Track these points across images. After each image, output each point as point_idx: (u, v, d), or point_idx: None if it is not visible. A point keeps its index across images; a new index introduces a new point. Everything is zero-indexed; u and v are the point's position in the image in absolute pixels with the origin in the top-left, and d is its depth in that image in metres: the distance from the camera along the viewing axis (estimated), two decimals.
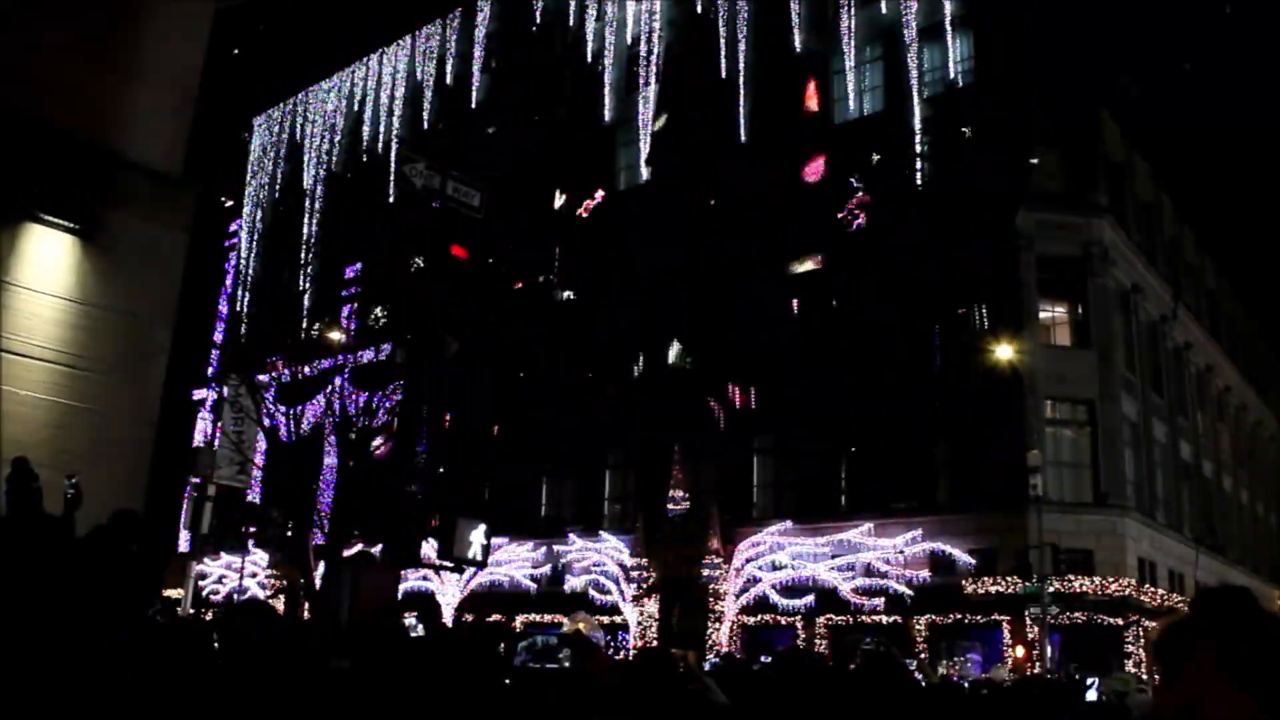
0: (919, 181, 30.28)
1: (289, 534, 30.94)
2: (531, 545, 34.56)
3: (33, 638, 5.38)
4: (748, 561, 29.46)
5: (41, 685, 5.24)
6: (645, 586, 30.72)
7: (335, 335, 34.02)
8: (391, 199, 43.89)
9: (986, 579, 26.05)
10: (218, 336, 50.41)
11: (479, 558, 10.45)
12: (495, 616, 29.54)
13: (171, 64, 10.34)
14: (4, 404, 8.38)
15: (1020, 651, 24.85)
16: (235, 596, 33.37)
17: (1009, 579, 25.33)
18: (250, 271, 51.73)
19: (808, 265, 31.17)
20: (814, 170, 32.18)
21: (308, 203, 49.61)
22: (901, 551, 27.41)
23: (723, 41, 35.79)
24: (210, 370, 48.61)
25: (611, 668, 6.78)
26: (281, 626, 3.63)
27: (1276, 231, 48.80)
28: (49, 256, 8.86)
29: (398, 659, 4.43)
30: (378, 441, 27.39)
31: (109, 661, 5.24)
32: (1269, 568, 41.26)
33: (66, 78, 9.23)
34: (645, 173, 36.71)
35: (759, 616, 29.12)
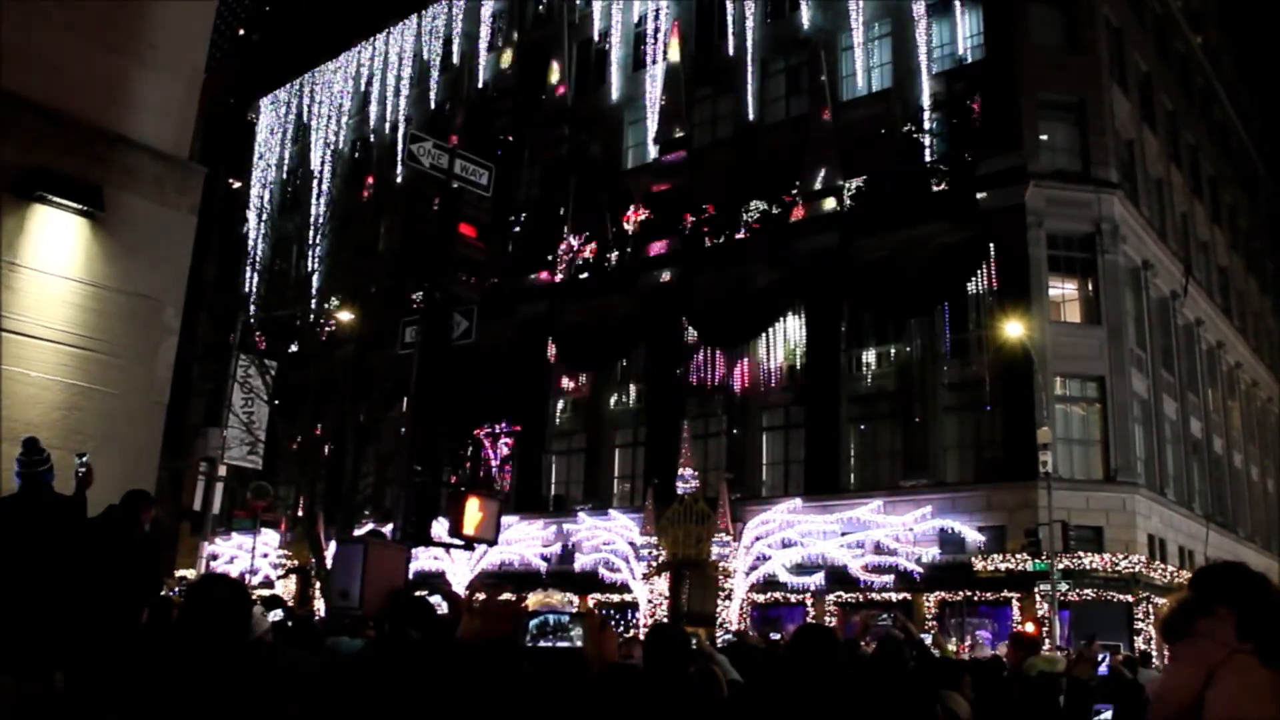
0: (927, 158, 30.15)
1: (299, 514, 31.08)
2: (542, 524, 34.65)
3: (48, 614, 5.40)
4: (757, 539, 29.49)
5: (58, 666, 5.26)
6: (655, 564, 30.80)
7: (344, 315, 33.94)
8: (399, 179, 43.79)
9: (996, 556, 26.07)
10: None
11: (490, 536, 10.45)
12: (506, 595, 29.62)
13: (178, 45, 10.30)
14: (15, 385, 8.40)
15: (1030, 628, 24.86)
16: (247, 577, 33.48)
17: (1018, 556, 25.34)
18: (258, 252, 51.65)
19: (816, 241, 31.06)
20: (821, 147, 32.00)
21: (315, 183, 49.52)
22: (911, 529, 27.42)
23: (730, 19, 35.64)
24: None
25: (620, 644, 6.79)
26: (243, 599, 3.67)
27: None
28: (56, 238, 8.86)
29: (430, 632, 4.45)
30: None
31: (134, 642, 5.26)
32: (1279, 544, 41.19)
33: (72, 58, 9.20)
34: (653, 151, 36.55)
35: (769, 594, 29.18)
